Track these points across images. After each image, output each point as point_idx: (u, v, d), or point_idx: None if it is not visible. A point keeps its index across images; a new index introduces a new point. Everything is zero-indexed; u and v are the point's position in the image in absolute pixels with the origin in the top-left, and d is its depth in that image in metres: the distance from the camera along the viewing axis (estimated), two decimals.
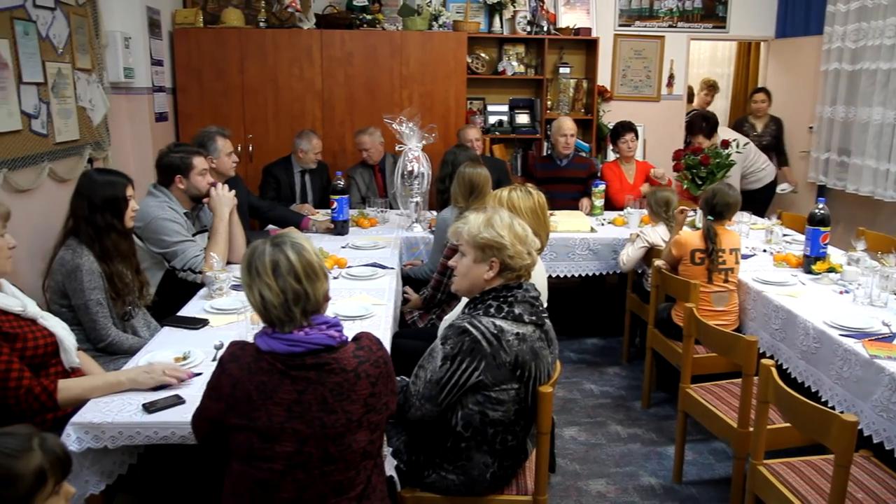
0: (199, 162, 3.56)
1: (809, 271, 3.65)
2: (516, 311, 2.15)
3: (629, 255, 4.19)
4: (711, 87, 7.76)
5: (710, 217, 3.64)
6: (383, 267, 3.65)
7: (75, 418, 2.07)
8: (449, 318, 2.56)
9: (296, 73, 5.70)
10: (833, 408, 2.68)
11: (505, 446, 2.21)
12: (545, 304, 2.63)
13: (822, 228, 3.60)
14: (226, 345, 2.52)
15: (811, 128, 6.20)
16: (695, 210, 3.76)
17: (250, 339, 1.87)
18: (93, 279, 2.76)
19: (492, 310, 2.15)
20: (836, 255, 3.85)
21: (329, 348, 1.80)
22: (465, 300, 2.38)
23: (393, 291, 3.33)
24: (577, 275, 4.55)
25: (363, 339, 1.92)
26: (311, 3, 5.93)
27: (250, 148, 5.69)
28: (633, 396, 4.10)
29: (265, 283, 1.78)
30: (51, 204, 3.67)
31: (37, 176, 3.59)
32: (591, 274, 4.55)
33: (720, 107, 9.31)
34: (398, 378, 2.27)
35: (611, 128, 6.40)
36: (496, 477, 2.24)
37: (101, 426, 2.05)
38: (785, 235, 4.50)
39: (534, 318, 2.18)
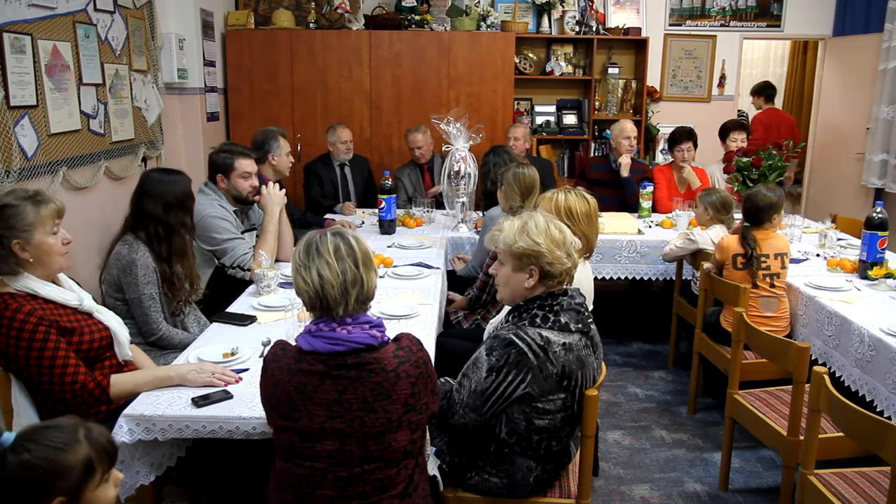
0: (241, 164, 3.54)
1: (866, 277, 3.54)
2: (562, 319, 2.11)
3: (672, 247, 4.13)
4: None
5: (746, 223, 3.56)
6: (429, 266, 3.67)
7: (127, 410, 2.12)
8: (495, 321, 2.54)
9: (344, 73, 5.75)
10: (889, 418, 2.60)
11: (549, 451, 2.19)
12: (590, 307, 2.60)
13: (880, 233, 3.50)
14: (273, 342, 2.58)
15: (868, 129, 6.02)
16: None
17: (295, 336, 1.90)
18: (147, 274, 2.84)
19: (538, 319, 2.11)
20: (894, 260, 3.73)
21: (370, 348, 1.81)
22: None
23: (438, 291, 3.34)
24: (623, 277, 4.50)
25: (403, 339, 1.92)
26: (361, 4, 5.99)
27: (299, 147, 5.77)
28: (679, 401, 4.03)
29: (326, 261, 1.81)
30: (106, 201, 3.78)
31: (93, 174, 3.70)
32: (637, 278, 4.50)
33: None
34: (443, 379, 2.27)
35: (659, 128, 6.34)
36: (539, 480, 2.23)
37: (151, 419, 2.10)
38: (839, 240, 4.38)
39: (580, 325, 2.13)
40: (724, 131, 5.36)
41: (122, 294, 2.86)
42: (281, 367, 1.81)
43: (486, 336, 2.44)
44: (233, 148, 3.63)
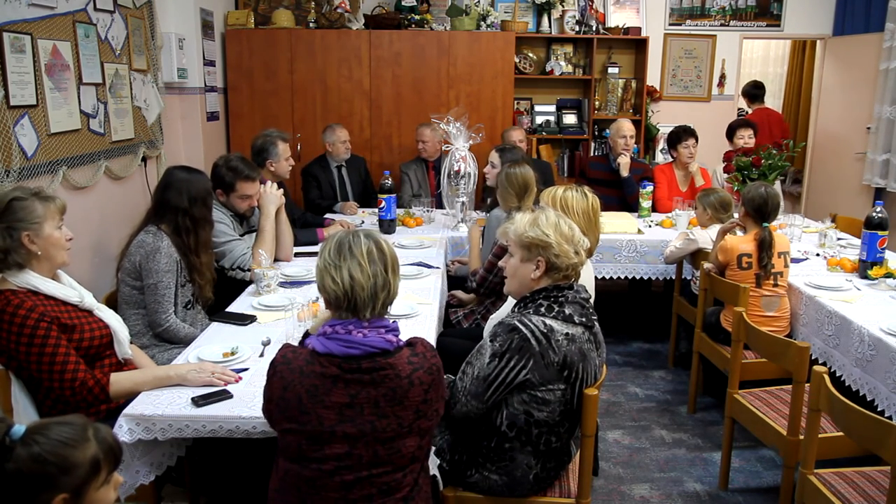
0: (242, 187, 3.51)
1: (866, 276, 3.54)
2: (567, 311, 2.15)
3: (673, 248, 4.13)
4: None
5: (764, 224, 3.53)
6: (429, 266, 3.67)
7: (127, 410, 2.12)
8: (496, 317, 2.55)
9: (344, 73, 5.75)
10: (890, 418, 2.60)
11: (549, 448, 2.20)
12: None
13: (880, 232, 3.50)
14: (273, 342, 2.58)
15: (868, 128, 6.02)
16: (744, 229, 3.65)
17: (297, 336, 1.88)
18: (169, 263, 2.90)
19: (542, 309, 2.15)
20: (893, 259, 3.73)
21: (385, 352, 1.80)
22: (512, 300, 2.38)
23: (438, 291, 3.34)
24: (623, 277, 4.50)
25: (418, 345, 1.90)
26: (360, 3, 5.98)
27: (298, 147, 5.76)
28: (679, 401, 4.03)
29: (358, 263, 1.80)
30: (106, 201, 3.78)
31: (93, 174, 3.70)
32: (637, 277, 4.50)
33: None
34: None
35: (659, 128, 6.34)
36: (539, 478, 2.23)
37: (151, 418, 2.10)
38: (839, 239, 4.38)
39: (584, 319, 2.17)
40: (731, 131, 5.35)
41: (139, 281, 2.90)
42: (291, 369, 1.79)
43: (486, 330, 2.44)
44: (238, 167, 3.50)
